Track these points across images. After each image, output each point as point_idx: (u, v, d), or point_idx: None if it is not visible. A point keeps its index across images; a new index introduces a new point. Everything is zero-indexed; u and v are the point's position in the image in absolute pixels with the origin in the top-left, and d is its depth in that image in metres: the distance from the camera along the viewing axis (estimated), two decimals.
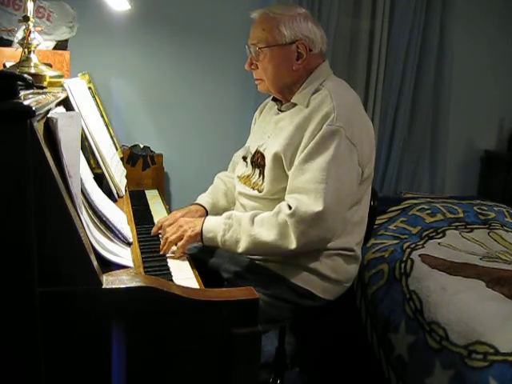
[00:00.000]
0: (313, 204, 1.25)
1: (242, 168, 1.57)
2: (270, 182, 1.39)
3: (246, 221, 1.30)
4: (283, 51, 1.37)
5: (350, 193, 1.34)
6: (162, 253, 1.31)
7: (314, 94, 1.37)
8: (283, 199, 1.35)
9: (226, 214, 1.35)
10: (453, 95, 2.90)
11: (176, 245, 1.33)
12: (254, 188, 1.46)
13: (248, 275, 1.41)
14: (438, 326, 1.51)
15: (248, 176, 1.51)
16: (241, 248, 1.30)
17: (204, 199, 1.61)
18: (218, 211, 1.60)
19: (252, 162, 1.51)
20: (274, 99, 1.54)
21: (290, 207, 1.27)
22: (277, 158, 1.36)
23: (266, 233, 1.27)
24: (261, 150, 1.46)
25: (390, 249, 1.94)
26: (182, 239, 1.32)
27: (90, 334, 0.87)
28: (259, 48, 1.38)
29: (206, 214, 1.57)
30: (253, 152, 1.51)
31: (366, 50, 2.80)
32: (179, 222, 1.39)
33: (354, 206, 1.40)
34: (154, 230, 1.44)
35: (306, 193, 1.27)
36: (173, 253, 1.32)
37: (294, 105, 1.42)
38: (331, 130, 1.27)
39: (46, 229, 0.82)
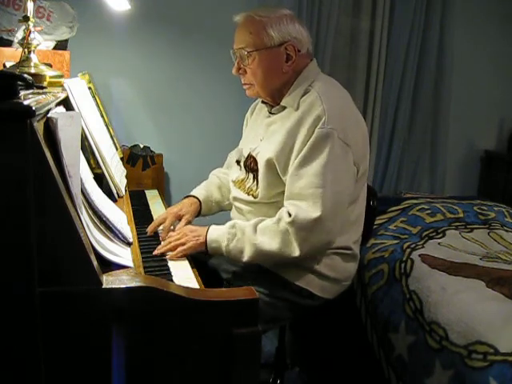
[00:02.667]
0: (311, 210, 1.25)
1: (236, 172, 1.56)
2: (264, 187, 1.39)
3: (249, 229, 1.30)
4: (272, 54, 1.36)
5: (348, 193, 1.34)
6: (158, 252, 1.29)
7: (303, 95, 1.35)
8: (279, 203, 1.35)
9: (229, 224, 1.35)
10: (453, 95, 2.90)
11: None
12: (248, 193, 1.45)
13: (247, 275, 1.42)
14: (438, 325, 1.51)
15: (242, 180, 1.51)
16: (245, 257, 1.30)
17: (197, 191, 1.61)
18: (211, 203, 1.61)
19: (245, 166, 1.50)
20: (264, 101, 1.52)
21: (289, 214, 1.27)
22: (270, 163, 1.35)
23: (269, 241, 1.27)
24: (253, 154, 1.45)
25: (390, 249, 1.94)
26: (184, 245, 1.31)
27: (90, 334, 0.87)
28: (248, 52, 1.36)
29: (200, 205, 1.57)
30: (246, 155, 1.50)
31: (366, 50, 2.80)
32: (184, 229, 1.38)
33: (351, 204, 1.40)
34: (150, 229, 1.42)
35: (304, 199, 1.26)
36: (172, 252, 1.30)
37: (285, 107, 1.40)
38: (323, 133, 1.27)
39: (46, 229, 0.82)
